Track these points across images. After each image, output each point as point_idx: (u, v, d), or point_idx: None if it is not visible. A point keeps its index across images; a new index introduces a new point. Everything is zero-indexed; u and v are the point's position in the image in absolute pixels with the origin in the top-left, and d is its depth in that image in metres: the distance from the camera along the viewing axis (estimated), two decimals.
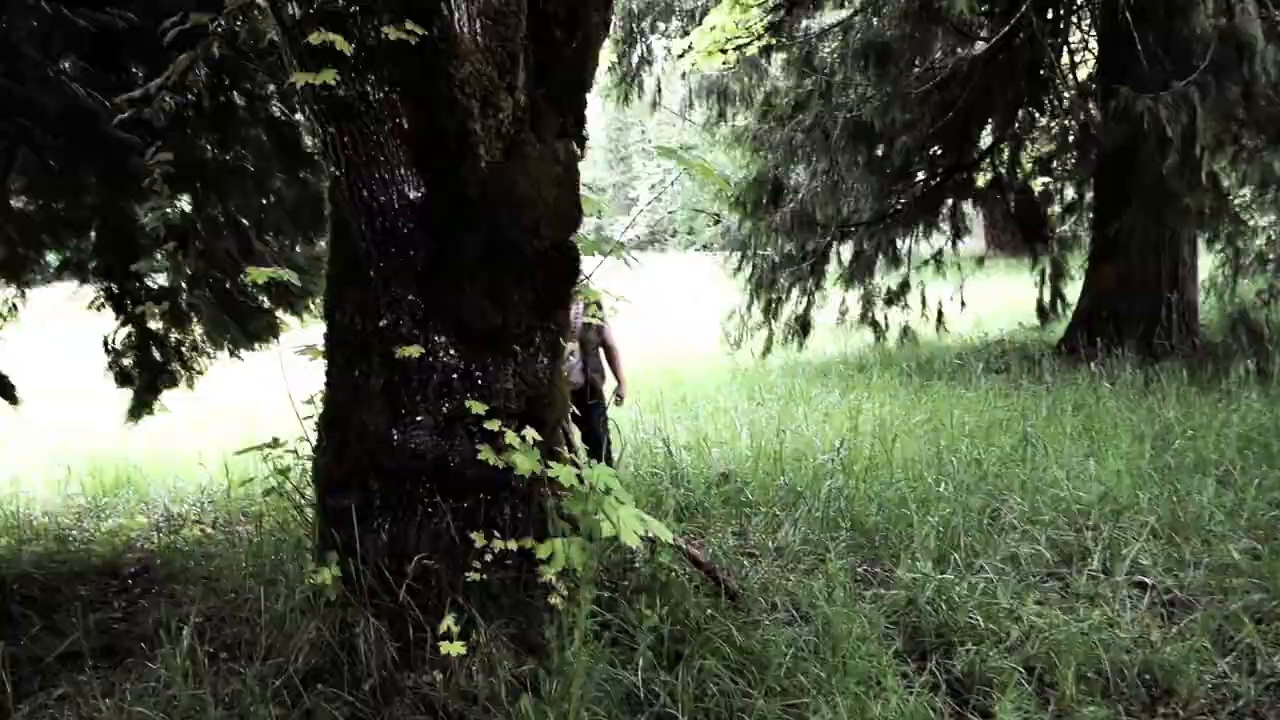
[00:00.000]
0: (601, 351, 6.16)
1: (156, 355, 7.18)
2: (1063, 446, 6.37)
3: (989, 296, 16.58)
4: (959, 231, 12.47)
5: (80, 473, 8.26)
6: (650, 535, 4.00)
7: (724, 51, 10.28)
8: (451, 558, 3.43)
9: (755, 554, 4.83)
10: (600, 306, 4.66)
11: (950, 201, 12.11)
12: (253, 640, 3.58)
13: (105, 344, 7.22)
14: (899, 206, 11.32)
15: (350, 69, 2.69)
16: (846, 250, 11.93)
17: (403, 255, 3.07)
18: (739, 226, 11.07)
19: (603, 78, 10.81)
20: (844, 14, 10.57)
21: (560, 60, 3.15)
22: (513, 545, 3.42)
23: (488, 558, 3.41)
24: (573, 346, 5.54)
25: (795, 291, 11.37)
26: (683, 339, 14.24)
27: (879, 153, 10.00)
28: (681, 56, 10.22)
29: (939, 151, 10.66)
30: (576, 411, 4.99)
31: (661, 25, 10.23)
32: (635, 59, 10.55)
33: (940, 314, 12.58)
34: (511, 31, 2.92)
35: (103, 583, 5.33)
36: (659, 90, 11.23)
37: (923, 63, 9.13)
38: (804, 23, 10.24)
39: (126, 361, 7.24)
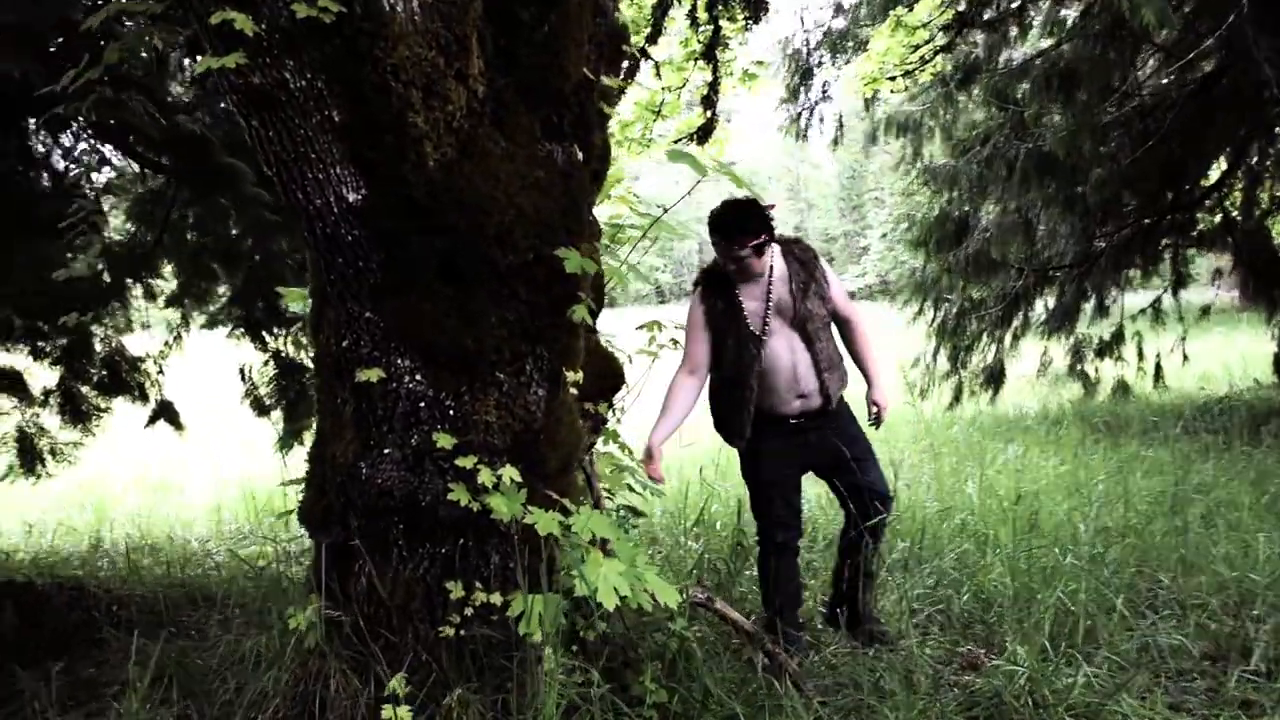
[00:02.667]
0: (834, 333, 4.16)
1: (293, 385, 7.23)
2: (1249, 522, 5.41)
3: (1226, 350, 15.08)
4: (1180, 279, 11.24)
5: (234, 498, 8.45)
6: (697, 596, 3.54)
7: (891, 79, 9.64)
8: (428, 608, 3.06)
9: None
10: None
11: (1167, 243, 10.95)
12: (221, 688, 3.32)
13: (242, 374, 7.32)
14: (1104, 249, 10.27)
15: (263, 53, 2.39)
16: (1045, 295, 11.01)
17: (351, 266, 2.74)
18: (924, 268, 10.33)
19: (775, 113, 10.34)
20: (1036, 41, 9.74)
21: (530, 45, 2.76)
22: (496, 599, 3.02)
23: (468, 611, 3.02)
24: (775, 330, 3.94)
25: (985, 339, 10.50)
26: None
27: (1075, 189, 9.07)
28: (830, 85, 9.61)
29: (1149, 189, 9.58)
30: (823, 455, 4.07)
31: (835, 56, 9.68)
32: (811, 93, 10.02)
33: (1159, 368, 11.38)
34: (459, 11, 2.55)
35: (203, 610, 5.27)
36: (840, 126, 10.64)
37: (1119, 89, 8.21)
38: (983, 48, 9.45)
39: (263, 391, 7.32)
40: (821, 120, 10.46)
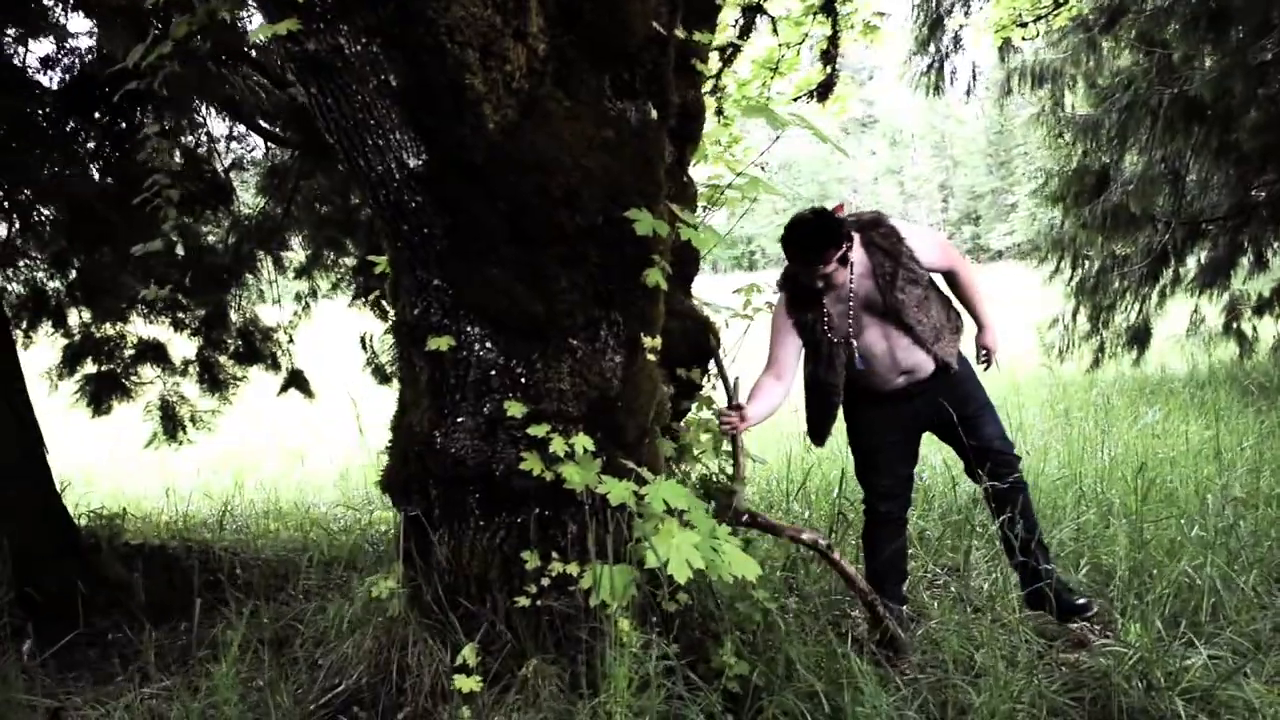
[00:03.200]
0: (942, 287, 3.93)
1: None
2: None
3: None
4: None
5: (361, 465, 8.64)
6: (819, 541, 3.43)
7: (1023, 25, 9.14)
8: (506, 578, 3.04)
9: (956, 594, 4.08)
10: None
11: None
12: (310, 654, 3.37)
13: (362, 342, 7.48)
14: (1263, 199, 9.61)
15: (317, 19, 2.36)
16: (1197, 250, 10.38)
17: (416, 233, 2.71)
18: (1062, 224, 9.84)
19: (903, 65, 9.96)
20: None
21: (593, 1, 2.67)
22: (574, 569, 2.98)
23: (544, 581, 2.99)
24: (867, 325, 3.71)
25: (1128, 297, 9.97)
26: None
27: (1229, 136, 8.47)
28: (959, 33, 9.12)
29: None
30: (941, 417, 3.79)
31: (967, 3, 9.23)
32: (942, 43, 9.58)
33: None
34: None
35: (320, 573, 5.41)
36: (974, 77, 10.20)
37: (1277, 23, 7.59)
38: None
39: (384, 359, 7.47)
40: (954, 72, 9.99)
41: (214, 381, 8.03)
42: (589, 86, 2.73)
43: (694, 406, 3.97)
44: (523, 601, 2.96)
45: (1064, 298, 10.37)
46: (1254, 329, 10.74)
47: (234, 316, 7.93)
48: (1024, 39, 9.36)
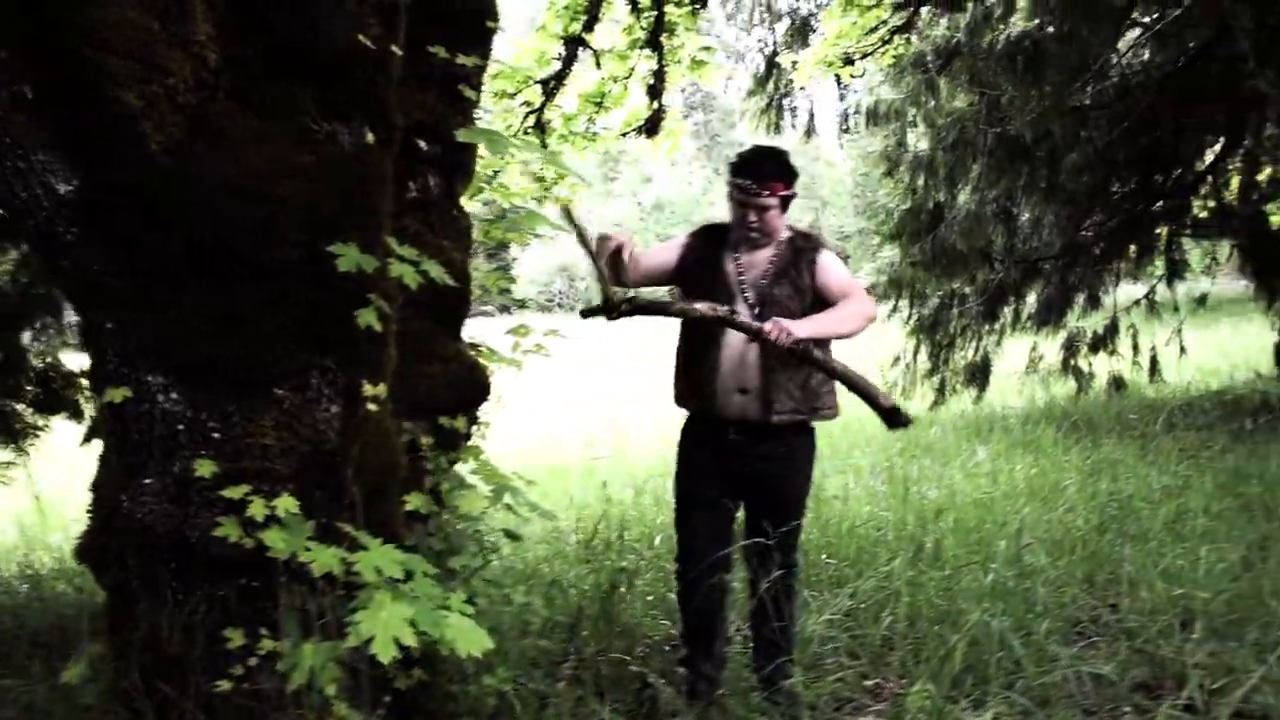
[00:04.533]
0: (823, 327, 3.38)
1: None
2: (1212, 529, 4.97)
3: (1234, 341, 14.61)
4: (1175, 268, 10.74)
5: None
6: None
7: (849, 63, 9.17)
8: (210, 659, 2.69)
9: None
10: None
11: (1160, 231, 10.47)
12: None
13: None
14: (1092, 238, 9.81)
15: None
16: (1034, 288, 10.52)
17: (78, 269, 2.37)
18: (899, 263, 9.88)
19: (744, 102, 9.91)
20: (1024, 21, 9.24)
21: (279, 7, 2.38)
22: (284, 647, 2.64)
23: (252, 661, 2.64)
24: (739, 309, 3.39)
25: (968, 335, 10.04)
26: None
27: (1055, 177, 8.59)
28: (794, 67, 9.13)
29: (1136, 174, 9.10)
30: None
31: (791, 41, 9.23)
32: (781, 81, 9.55)
33: (1154, 361, 10.90)
34: None
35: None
36: (811, 116, 10.22)
37: (1094, 68, 7.74)
38: (964, 30, 8.95)
39: None
40: (794, 110, 9.99)
41: (8, 431, 7.42)
42: (282, 104, 2.43)
43: (459, 458, 3.68)
44: (224, 685, 2.60)
45: (905, 336, 10.39)
46: (1089, 365, 10.93)
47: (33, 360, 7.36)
48: (852, 76, 9.39)
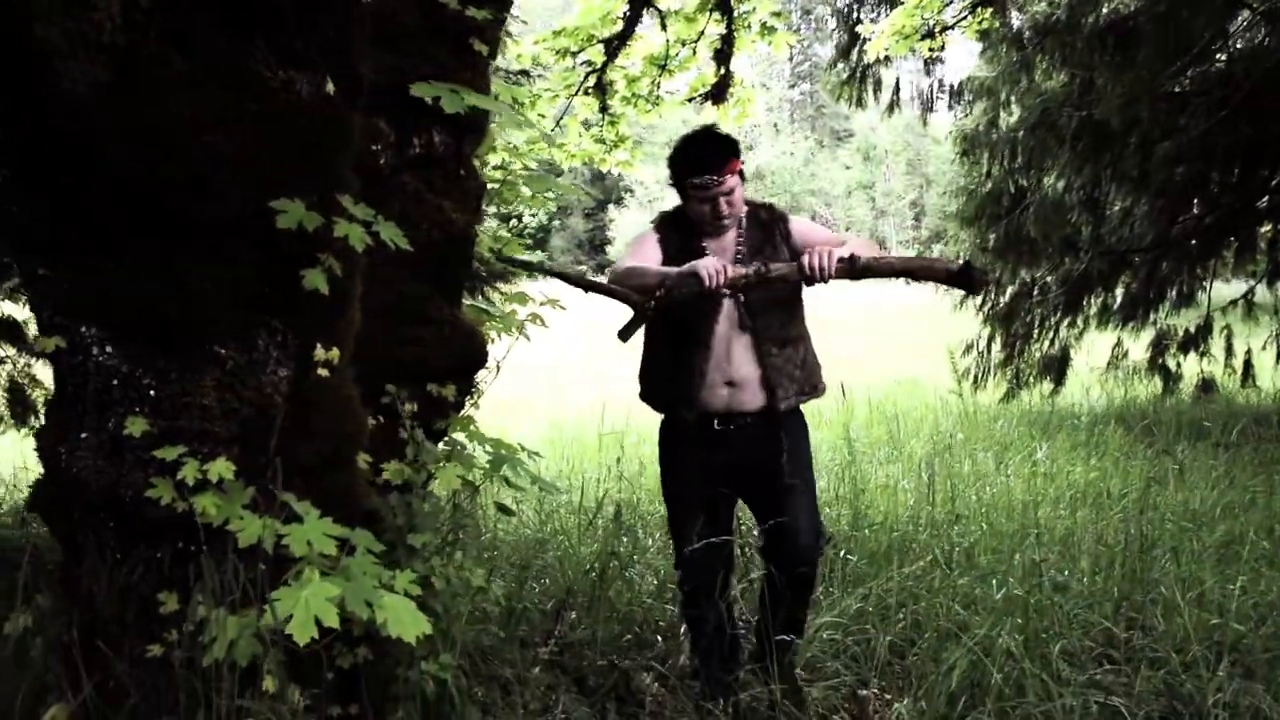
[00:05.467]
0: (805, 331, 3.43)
1: None
2: (1272, 554, 4.62)
3: None
4: (1278, 268, 10.15)
5: None
6: None
7: (930, 36, 8.76)
8: (144, 622, 2.60)
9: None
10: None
11: (1264, 230, 9.91)
12: None
13: None
14: (1187, 231, 9.29)
15: None
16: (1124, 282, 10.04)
17: (6, 215, 2.28)
18: (973, 247, 9.47)
19: (825, 74, 9.57)
20: None
21: None
22: (219, 614, 2.54)
23: (189, 627, 2.55)
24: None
25: (1046, 326, 9.61)
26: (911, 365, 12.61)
27: (1143, 164, 8.12)
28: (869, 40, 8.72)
29: (1235, 168, 8.57)
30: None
31: (874, 8, 8.88)
32: (865, 53, 9.19)
33: (1248, 365, 10.34)
34: None
35: None
36: (896, 90, 9.83)
37: (1195, 51, 7.25)
38: (1064, 6, 8.47)
39: None
40: (878, 83, 9.63)
41: None
42: (222, 48, 2.29)
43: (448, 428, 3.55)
44: (155, 650, 2.52)
45: (979, 324, 10.00)
46: (1178, 365, 10.42)
47: None
48: (930, 50, 8.98)
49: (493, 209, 4.15)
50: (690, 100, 7.67)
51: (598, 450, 7.10)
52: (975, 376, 9.99)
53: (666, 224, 3.46)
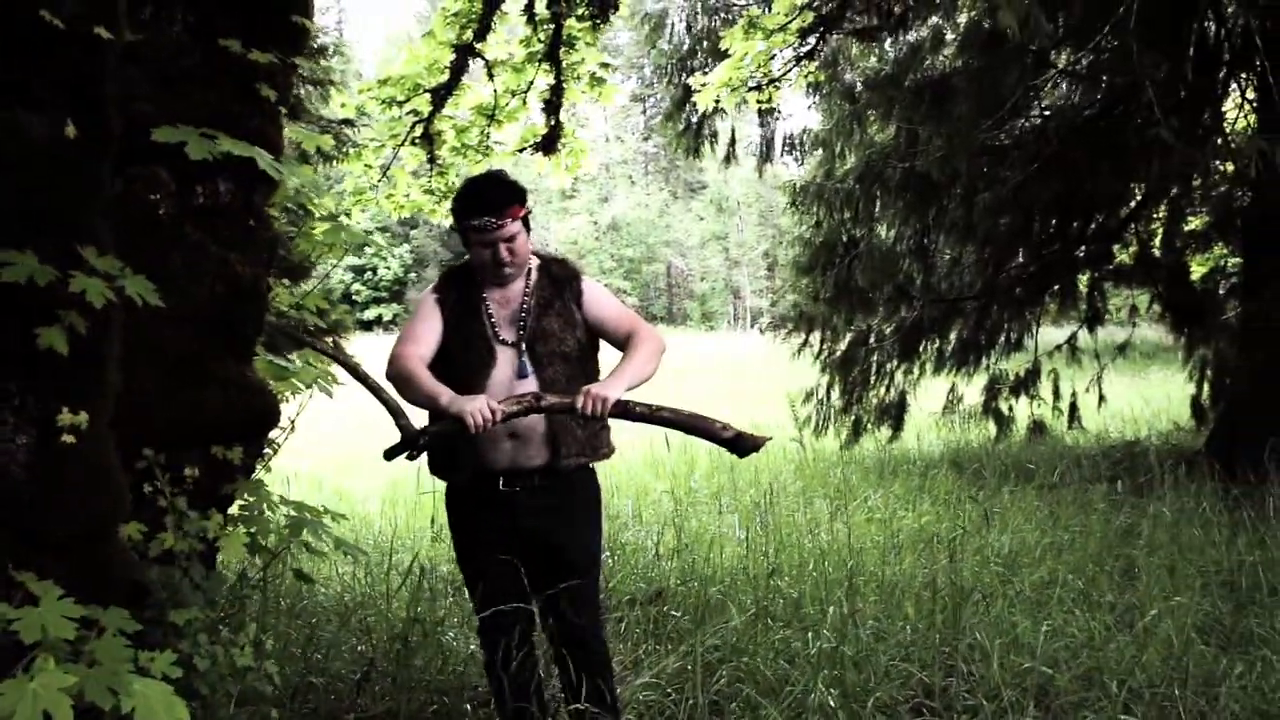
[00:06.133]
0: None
1: None
2: (1086, 593, 4.72)
3: (1159, 389, 14.55)
4: (1097, 314, 10.59)
5: None
6: None
7: (758, 89, 8.92)
8: None
9: None
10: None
11: (1085, 277, 10.33)
12: None
13: None
14: (1012, 280, 9.62)
15: None
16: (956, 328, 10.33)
17: None
18: (812, 296, 9.62)
19: (662, 126, 9.64)
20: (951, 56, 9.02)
21: None
22: None
23: None
24: (504, 346, 3.18)
25: (883, 373, 9.80)
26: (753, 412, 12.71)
27: (967, 216, 8.39)
28: (697, 94, 8.83)
29: (1052, 218, 8.93)
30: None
31: (697, 62, 9.03)
32: (699, 105, 9.27)
33: (1074, 408, 10.74)
34: None
35: None
36: (732, 142, 9.97)
37: (1008, 106, 7.52)
38: (891, 62, 8.74)
39: None
40: (714, 135, 9.74)
41: None
42: None
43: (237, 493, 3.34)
44: None
45: (817, 372, 10.14)
46: (1010, 408, 10.73)
47: None
48: (759, 103, 9.14)
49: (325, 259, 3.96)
50: (520, 151, 7.61)
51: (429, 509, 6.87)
52: (816, 424, 10.09)
53: (446, 282, 3.32)
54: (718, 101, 8.68)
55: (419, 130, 7.33)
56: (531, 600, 3.30)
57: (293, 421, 3.45)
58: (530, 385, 3.13)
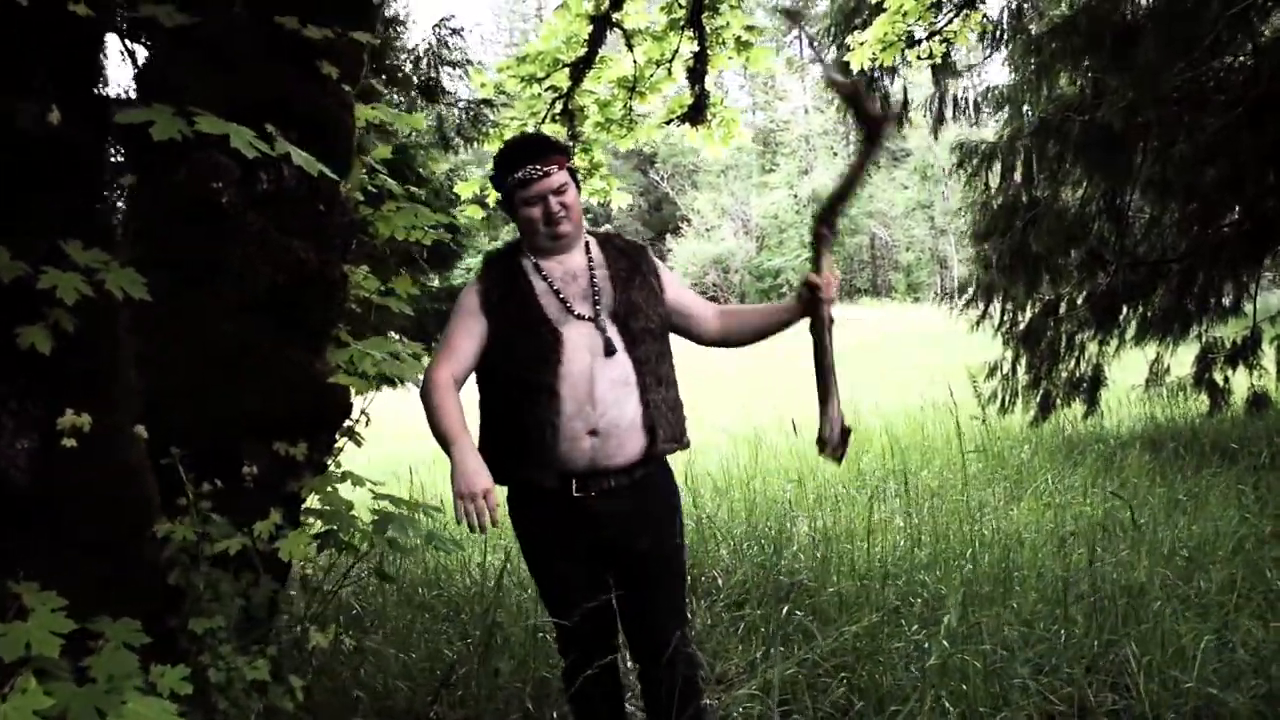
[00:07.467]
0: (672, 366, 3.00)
1: None
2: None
3: None
4: None
5: None
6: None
7: (914, 44, 8.29)
8: None
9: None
10: None
11: None
12: None
13: None
14: (1221, 240, 8.70)
15: None
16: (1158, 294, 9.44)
17: None
18: (991, 265, 8.95)
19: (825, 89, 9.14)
20: None
21: None
22: None
23: None
24: (578, 320, 2.84)
25: (1074, 345, 9.06)
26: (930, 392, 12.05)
27: (1165, 170, 7.58)
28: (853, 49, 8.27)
29: (1270, 169, 7.98)
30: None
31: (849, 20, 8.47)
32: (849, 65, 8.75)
33: None
34: None
35: None
36: (905, 104, 9.40)
37: (1207, 45, 6.73)
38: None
39: None
40: (886, 98, 9.19)
41: None
42: None
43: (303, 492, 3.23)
44: None
45: (1001, 345, 9.47)
46: (1226, 380, 9.76)
47: None
48: (918, 58, 8.51)
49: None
50: (669, 123, 7.33)
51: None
52: (1001, 401, 9.44)
53: (489, 268, 2.95)
54: (875, 59, 8.17)
55: (559, 107, 7.18)
56: (615, 615, 3.05)
57: (364, 413, 3.30)
58: (622, 364, 2.80)
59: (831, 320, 2.87)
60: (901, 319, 37.55)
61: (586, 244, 2.93)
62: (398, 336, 4.38)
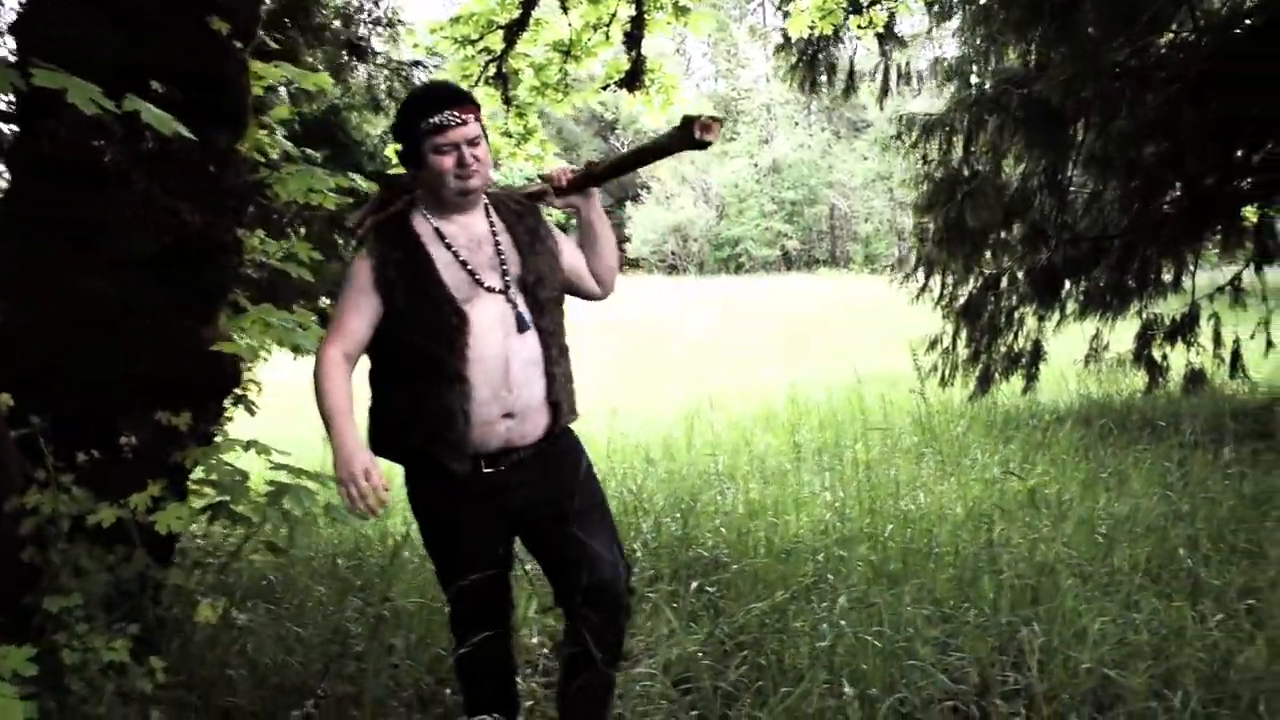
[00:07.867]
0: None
1: None
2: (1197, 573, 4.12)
3: None
4: (1266, 252, 9.56)
5: None
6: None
7: (857, 11, 8.19)
8: None
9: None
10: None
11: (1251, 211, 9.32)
12: None
13: None
14: (1165, 216, 8.73)
15: None
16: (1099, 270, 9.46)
17: None
18: (933, 238, 8.93)
19: (775, 59, 9.08)
20: None
21: None
22: None
23: None
24: (486, 292, 2.69)
25: (1013, 319, 9.08)
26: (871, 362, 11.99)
27: (1105, 146, 7.57)
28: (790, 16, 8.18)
29: (1209, 146, 7.98)
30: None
31: None
32: (813, 34, 8.65)
33: (1237, 356, 9.73)
34: None
35: None
36: (851, 74, 9.31)
37: (1146, 19, 6.69)
38: None
39: None
40: (830, 68, 9.11)
41: None
42: None
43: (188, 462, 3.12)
44: None
45: (943, 319, 9.47)
46: (1164, 357, 9.83)
47: None
48: (859, 27, 8.43)
49: None
50: (604, 88, 7.22)
51: None
52: (941, 374, 9.45)
53: (380, 237, 2.74)
54: (814, 27, 8.07)
55: (492, 69, 7.03)
56: (510, 594, 2.99)
57: (255, 382, 3.20)
58: (532, 340, 2.72)
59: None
60: (858, 290, 37.61)
61: (485, 206, 2.82)
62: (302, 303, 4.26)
